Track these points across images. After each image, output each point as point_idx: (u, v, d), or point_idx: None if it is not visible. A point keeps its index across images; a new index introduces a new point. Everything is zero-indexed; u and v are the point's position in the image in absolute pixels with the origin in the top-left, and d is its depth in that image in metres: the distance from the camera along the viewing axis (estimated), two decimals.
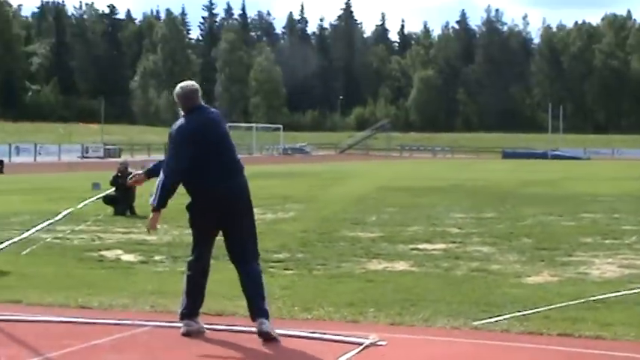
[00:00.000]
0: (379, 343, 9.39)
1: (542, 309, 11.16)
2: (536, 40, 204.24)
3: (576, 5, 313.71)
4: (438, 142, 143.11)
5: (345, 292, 12.74)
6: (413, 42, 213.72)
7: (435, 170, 66.21)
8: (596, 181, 49.90)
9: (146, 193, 25.33)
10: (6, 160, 63.33)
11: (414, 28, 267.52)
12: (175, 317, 10.76)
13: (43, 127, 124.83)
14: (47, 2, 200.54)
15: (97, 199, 21.87)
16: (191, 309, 10.11)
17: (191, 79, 11.05)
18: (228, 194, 9.80)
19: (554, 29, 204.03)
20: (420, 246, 18.37)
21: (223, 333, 10.07)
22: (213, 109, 10.45)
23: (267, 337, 9.52)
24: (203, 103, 10.18)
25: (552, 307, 11.33)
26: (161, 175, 9.76)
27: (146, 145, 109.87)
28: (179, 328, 10.18)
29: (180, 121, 10.00)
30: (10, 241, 15.01)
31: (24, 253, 15.41)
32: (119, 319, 10.60)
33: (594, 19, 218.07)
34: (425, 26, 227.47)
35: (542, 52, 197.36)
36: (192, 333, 9.92)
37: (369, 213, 26.26)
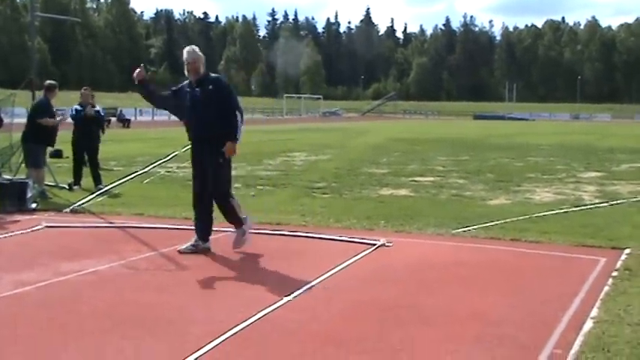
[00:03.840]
0: (388, 244, 9.41)
1: (499, 222, 11.13)
2: (498, 38, 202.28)
3: (526, 13, 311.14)
4: (429, 108, 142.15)
5: (364, 209, 12.75)
6: (412, 38, 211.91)
7: (426, 127, 65.89)
8: (538, 135, 49.54)
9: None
10: (132, 119, 63.55)
11: (413, 28, 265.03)
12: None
13: None
14: (160, 10, 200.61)
15: None
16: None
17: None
18: None
19: (511, 30, 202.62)
20: (416, 178, 18.33)
21: (280, 237, 10.10)
22: None
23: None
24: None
25: (506, 220, 11.30)
26: (239, 117, 8.81)
27: None
28: (252, 233, 10.22)
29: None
30: (135, 174, 15.10)
31: (145, 182, 15.50)
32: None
33: (539, 22, 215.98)
34: (421, 27, 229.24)
35: (502, 46, 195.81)
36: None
37: (381, 155, 26.21)
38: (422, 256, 8.85)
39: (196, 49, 9.10)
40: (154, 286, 7.33)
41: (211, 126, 8.77)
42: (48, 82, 14.59)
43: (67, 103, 14.33)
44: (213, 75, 9.12)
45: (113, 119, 60.65)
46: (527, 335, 5.77)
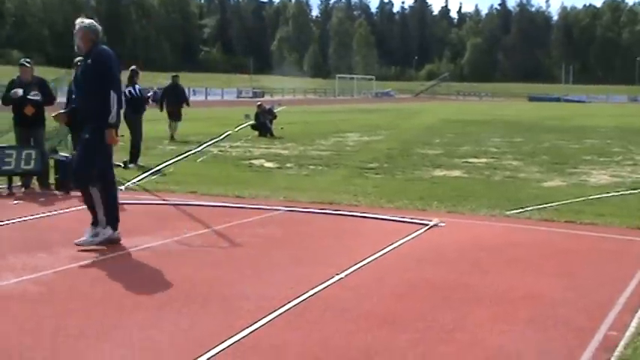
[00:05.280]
0: (440, 224, 9.39)
1: (554, 204, 11.02)
2: (555, 18, 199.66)
3: None
4: (482, 89, 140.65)
5: (417, 190, 12.73)
6: (467, 18, 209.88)
7: (480, 109, 65.29)
8: (595, 117, 48.76)
9: (280, 125, 25.36)
10: None
11: (468, 8, 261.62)
12: (301, 205, 10.88)
13: (211, 76, 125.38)
14: None
15: (246, 125, 22.13)
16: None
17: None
18: None
19: (569, 9, 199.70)
20: (469, 160, 18.23)
21: (332, 216, 10.13)
22: None
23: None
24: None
25: (561, 202, 11.19)
26: (114, 98, 7.95)
27: (280, 89, 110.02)
28: (304, 212, 10.28)
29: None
30: (189, 152, 15.26)
31: (198, 160, 15.65)
32: (262, 205, 10.74)
33: (598, 2, 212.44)
34: (476, 7, 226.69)
35: (559, 26, 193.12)
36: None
37: (434, 137, 26.08)
38: (475, 237, 8.81)
39: (84, 21, 8.33)
40: (207, 262, 7.42)
41: (84, 102, 8.15)
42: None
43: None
44: (99, 48, 8.17)
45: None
46: (581, 317, 5.72)
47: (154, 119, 21.68)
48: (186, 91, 26.39)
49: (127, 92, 15.93)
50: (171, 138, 23.07)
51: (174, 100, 23.68)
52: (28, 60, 12.95)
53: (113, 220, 8.12)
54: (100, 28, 8.40)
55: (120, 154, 16.36)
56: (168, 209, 10.60)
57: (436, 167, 16.51)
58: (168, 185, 12.76)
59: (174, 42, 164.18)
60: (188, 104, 24.27)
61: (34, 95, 12.32)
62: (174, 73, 26.67)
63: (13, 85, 12.55)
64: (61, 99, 14.98)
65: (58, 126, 13.79)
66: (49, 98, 12.62)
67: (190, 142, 21.27)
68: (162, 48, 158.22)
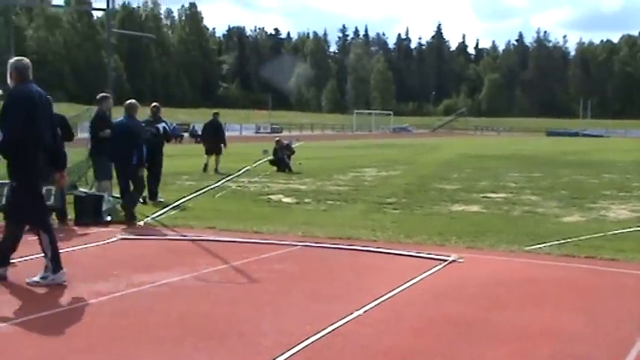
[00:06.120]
0: (459, 260, 9.35)
1: (573, 239, 10.96)
2: (572, 53, 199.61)
3: (602, 28, 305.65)
4: (500, 124, 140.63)
5: (436, 225, 12.68)
6: (484, 54, 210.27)
7: (498, 144, 65.20)
8: (613, 152, 48.59)
9: (298, 160, 25.42)
10: None
11: (485, 44, 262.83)
12: (319, 240, 10.86)
13: (230, 112, 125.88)
14: (233, 27, 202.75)
15: (265, 160, 22.21)
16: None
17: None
18: None
19: (586, 45, 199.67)
20: (488, 195, 18.17)
21: (350, 251, 10.10)
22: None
23: None
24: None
25: (581, 238, 11.12)
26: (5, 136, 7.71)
27: (299, 125, 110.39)
28: (322, 247, 10.26)
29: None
30: (207, 188, 15.31)
31: (217, 196, 15.68)
32: (280, 241, 10.73)
33: (615, 38, 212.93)
34: (493, 43, 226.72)
35: (576, 61, 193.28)
36: None
37: (452, 172, 26.04)
38: (494, 273, 8.75)
39: (14, 59, 8.12)
40: (225, 298, 7.40)
41: None
42: (101, 94, 14.48)
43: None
44: (14, 86, 7.98)
45: (185, 135, 61.61)
46: (602, 354, 5.66)
47: (172, 155, 21.77)
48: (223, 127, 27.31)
49: (160, 128, 16.00)
50: (205, 169, 24.11)
51: (212, 136, 25.14)
52: (48, 97, 12.99)
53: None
54: (24, 65, 8.08)
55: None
56: (187, 245, 10.61)
57: (454, 202, 16.47)
58: (187, 220, 12.78)
59: (194, 78, 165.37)
60: (224, 144, 25.40)
61: None
62: (215, 111, 28.16)
63: None
64: (82, 135, 15.10)
65: (79, 161, 13.93)
66: (68, 135, 12.68)
67: (209, 177, 21.33)
68: (181, 84, 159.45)
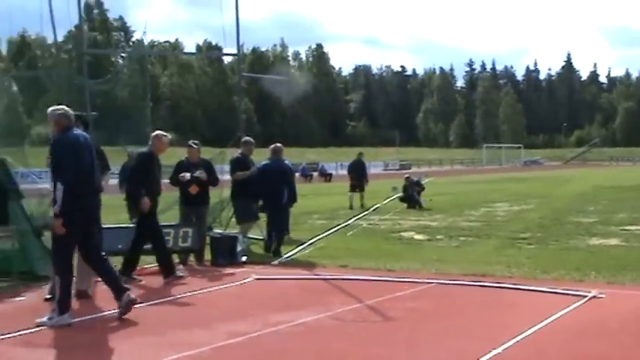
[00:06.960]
0: (600, 296, 9.04)
1: None
2: None
3: None
4: (637, 154, 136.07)
5: (573, 260, 12.33)
6: (617, 82, 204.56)
7: (635, 174, 62.97)
8: None
9: (428, 196, 25.22)
10: (334, 172, 64.82)
11: (618, 72, 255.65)
12: (452, 277, 10.72)
13: (358, 150, 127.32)
14: (359, 66, 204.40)
15: (395, 197, 22.16)
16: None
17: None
18: None
19: None
20: (627, 227, 17.54)
21: (485, 288, 9.91)
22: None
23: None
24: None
25: None
26: (60, 186, 7.91)
27: (427, 161, 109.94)
28: (459, 284, 10.13)
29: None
30: (339, 226, 15.38)
31: (349, 234, 15.71)
32: (414, 278, 10.66)
33: None
34: (626, 70, 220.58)
35: None
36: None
37: (587, 204, 25.32)
38: (637, 309, 8.42)
39: (52, 108, 8.35)
40: (360, 337, 7.39)
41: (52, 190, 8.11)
42: (244, 138, 14.86)
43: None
44: (58, 135, 8.21)
45: (315, 174, 62.33)
46: None
47: (303, 194, 22.00)
48: (334, 165, 28.81)
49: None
50: (351, 207, 25.29)
51: (357, 174, 27.39)
52: (196, 142, 13.43)
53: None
54: (68, 113, 8.30)
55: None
56: (321, 284, 10.67)
57: (592, 236, 15.97)
58: (320, 259, 12.85)
59: (322, 118, 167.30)
60: (367, 180, 27.55)
61: (200, 174, 12.73)
62: (359, 150, 30.88)
63: (181, 165, 13.05)
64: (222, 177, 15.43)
65: (213, 203, 14.26)
66: (214, 179, 13.05)
67: (339, 216, 21.44)
68: (309, 125, 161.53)
